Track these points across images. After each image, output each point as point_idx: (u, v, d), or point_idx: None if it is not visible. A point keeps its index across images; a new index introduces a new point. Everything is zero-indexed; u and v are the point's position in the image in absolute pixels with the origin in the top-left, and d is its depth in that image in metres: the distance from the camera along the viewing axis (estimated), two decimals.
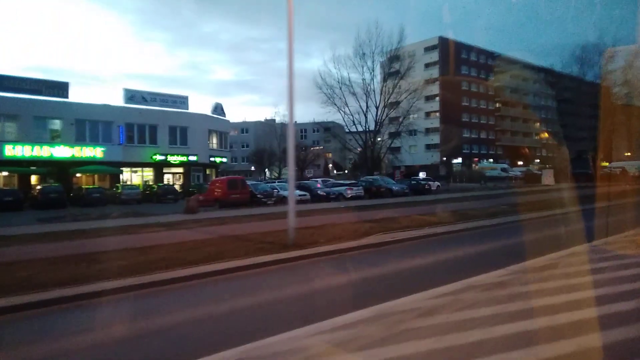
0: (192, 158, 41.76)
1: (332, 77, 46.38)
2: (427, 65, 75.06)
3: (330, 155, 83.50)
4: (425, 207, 21.00)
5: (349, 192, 29.26)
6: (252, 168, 75.01)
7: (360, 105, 47.64)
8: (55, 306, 6.56)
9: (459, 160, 70.94)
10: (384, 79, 48.33)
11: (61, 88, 35.97)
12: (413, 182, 36.63)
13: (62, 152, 34.86)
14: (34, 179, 34.93)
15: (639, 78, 46.66)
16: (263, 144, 70.49)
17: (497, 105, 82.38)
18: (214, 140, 46.41)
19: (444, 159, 68.76)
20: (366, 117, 47.97)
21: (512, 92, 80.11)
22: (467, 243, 11.80)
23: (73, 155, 35.43)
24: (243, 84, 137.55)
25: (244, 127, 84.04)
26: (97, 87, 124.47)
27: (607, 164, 54.80)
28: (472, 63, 78.39)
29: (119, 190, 31.97)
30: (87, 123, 36.76)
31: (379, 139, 52.42)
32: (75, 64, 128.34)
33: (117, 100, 39.86)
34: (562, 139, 55.44)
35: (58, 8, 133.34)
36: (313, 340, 4.57)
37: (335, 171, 79.62)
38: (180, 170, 42.29)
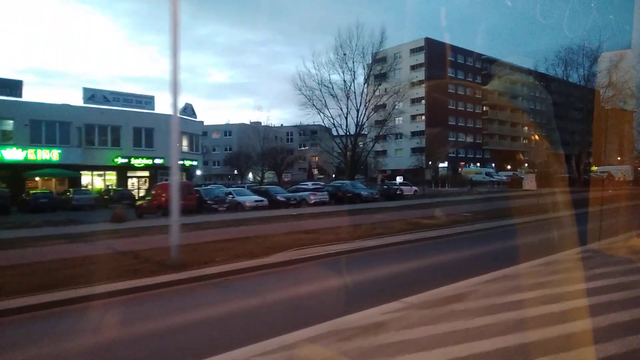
0: (158, 161, 39.47)
1: (312, 78, 44.77)
2: (413, 67, 73.54)
3: (317, 158, 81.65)
4: (384, 215, 19.17)
5: (312, 197, 27.26)
6: (235, 172, 72.90)
7: (340, 108, 46.06)
8: None
9: (445, 164, 69.27)
10: (366, 81, 46.68)
11: (14, 87, 33.99)
12: (385, 187, 34.78)
13: (13, 154, 32.76)
14: None
15: (624, 81, 45.35)
16: (246, 147, 68.43)
17: (485, 108, 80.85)
18: (184, 143, 44.39)
19: (430, 162, 67.11)
20: (347, 120, 46.37)
21: (499, 95, 78.62)
22: (395, 259, 10.04)
23: (26, 157, 33.33)
24: (238, 86, 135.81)
25: (226, 130, 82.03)
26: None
27: (595, 168, 53.55)
28: (459, 65, 76.84)
29: (70, 196, 29.96)
30: (44, 124, 34.69)
31: (360, 142, 50.66)
32: (70, 67, 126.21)
33: (77, 100, 37.93)
34: (548, 142, 53.94)
35: (51, 12, 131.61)
36: None
37: (320, 175, 77.74)
38: (146, 174, 40.20)
